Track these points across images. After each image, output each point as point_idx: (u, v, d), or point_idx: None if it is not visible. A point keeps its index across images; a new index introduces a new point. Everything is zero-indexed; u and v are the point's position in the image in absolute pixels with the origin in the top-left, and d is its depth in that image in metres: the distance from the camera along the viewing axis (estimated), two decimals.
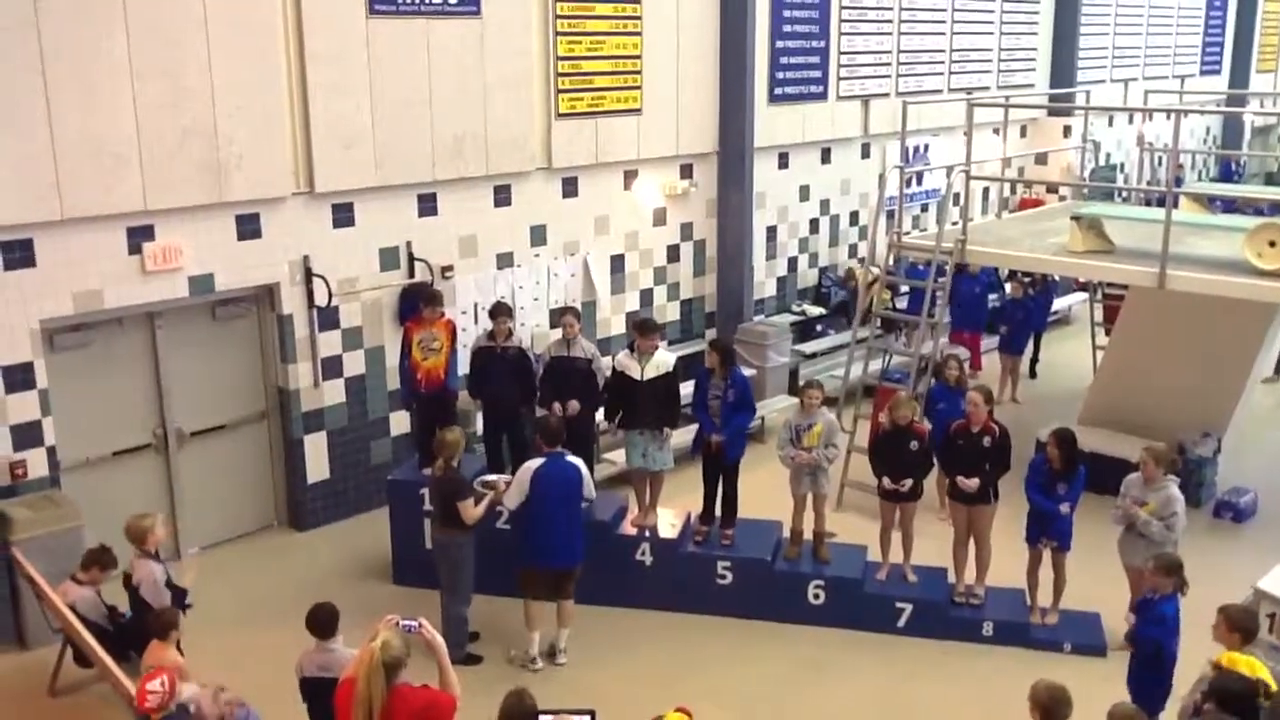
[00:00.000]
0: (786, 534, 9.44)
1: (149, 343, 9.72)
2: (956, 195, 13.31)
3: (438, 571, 8.54)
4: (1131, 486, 8.48)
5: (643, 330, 9.27)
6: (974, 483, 8.66)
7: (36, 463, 8.97)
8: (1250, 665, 5.83)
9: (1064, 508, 8.46)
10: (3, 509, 8.57)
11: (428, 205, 11.12)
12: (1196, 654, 6.52)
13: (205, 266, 9.64)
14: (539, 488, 8.13)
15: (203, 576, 9.02)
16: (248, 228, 9.86)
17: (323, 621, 6.44)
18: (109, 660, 7.25)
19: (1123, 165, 21.82)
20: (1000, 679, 8.15)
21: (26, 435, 8.90)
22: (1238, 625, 6.19)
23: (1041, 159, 18.79)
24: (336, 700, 5.22)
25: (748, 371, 11.65)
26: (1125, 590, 8.41)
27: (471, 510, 8.22)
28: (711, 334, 13.93)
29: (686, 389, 9.67)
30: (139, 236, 9.22)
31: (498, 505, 8.49)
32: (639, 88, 12.82)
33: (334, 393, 10.71)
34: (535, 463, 8.24)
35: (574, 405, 9.31)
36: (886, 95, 16.28)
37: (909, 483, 8.94)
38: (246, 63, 9.52)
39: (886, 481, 8.98)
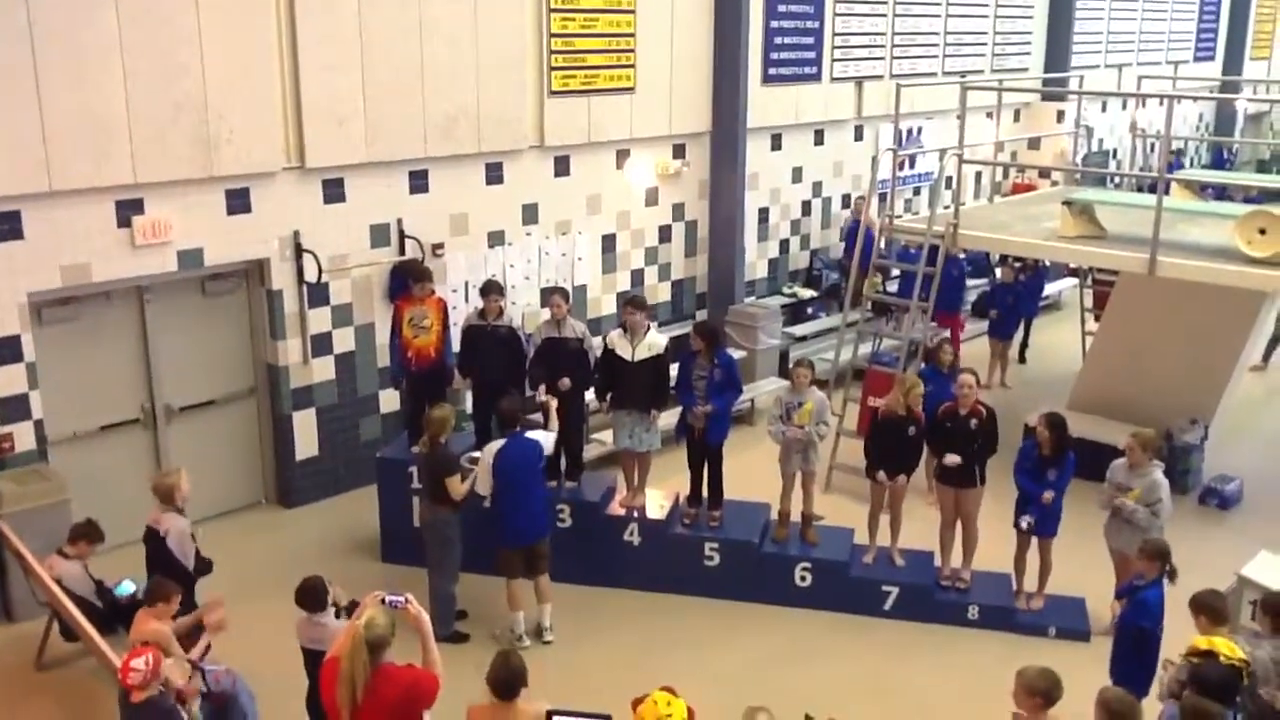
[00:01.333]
0: (774, 516, 9.47)
1: (138, 317, 9.69)
2: (949, 179, 13.29)
3: (426, 549, 8.55)
4: (1117, 472, 8.50)
5: (631, 306, 9.25)
6: (956, 458, 8.68)
7: (24, 436, 8.94)
8: (1229, 647, 5.89)
9: (1047, 495, 8.47)
10: None
11: (419, 182, 11.08)
12: (1181, 640, 6.55)
13: (195, 241, 9.59)
14: (503, 469, 8.19)
15: None
16: (238, 202, 9.81)
17: (310, 595, 6.46)
18: (95, 634, 7.26)
19: (1115, 151, 21.82)
20: (985, 662, 8.21)
21: (14, 409, 8.87)
22: (1203, 606, 6.28)
23: (1034, 143, 18.78)
24: (322, 679, 5.23)
25: (738, 353, 11.64)
26: (1111, 575, 8.46)
27: (459, 487, 8.24)
28: (702, 315, 13.92)
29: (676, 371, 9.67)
30: (128, 210, 9.17)
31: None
32: (632, 66, 12.77)
33: (323, 370, 10.69)
34: (496, 444, 8.30)
35: (565, 382, 9.29)
36: (880, 78, 16.25)
37: (903, 479, 8.98)
38: (238, 37, 9.45)
39: (882, 476, 9.01)
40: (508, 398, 8.66)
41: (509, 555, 8.42)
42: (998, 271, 15.46)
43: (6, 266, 8.63)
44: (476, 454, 8.98)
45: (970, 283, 15.52)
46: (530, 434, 8.36)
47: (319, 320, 10.56)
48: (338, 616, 6.48)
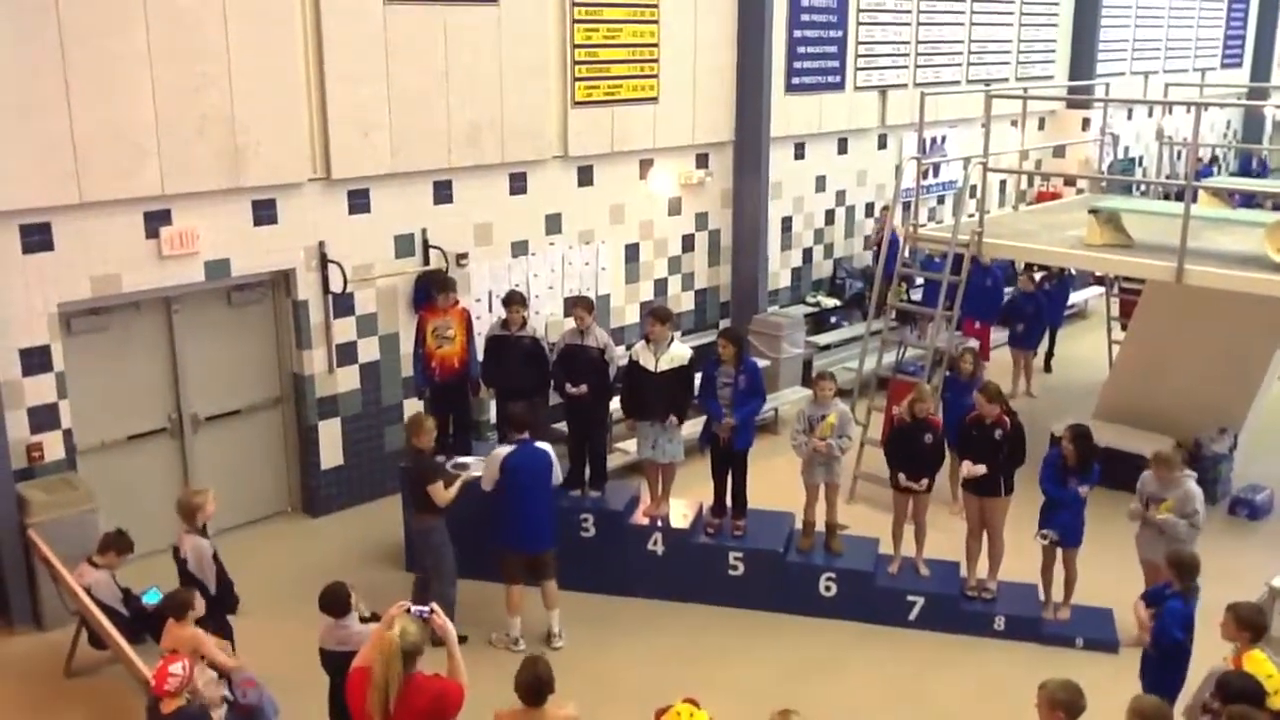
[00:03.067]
0: (799, 526, 9.44)
1: (165, 327, 9.76)
2: (973, 187, 13.26)
3: (419, 558, 8.59)
4: (1148, 484, 8.44)
5: (654, 317, 9.26)
6: (979, 469, 8.64)
7: (53, 445, 9.03)
8: (1267, 669, 5.79)
9: (1083, 490, 8.41)
10: (20, 491, 8.63)
11: (443, 192, 11.13)
12: (1210, 650, 6.49)
13: (222, 251, 9.67)
14: (510, 474, 8.22)
15: None
16: (264, 213, 9.88)
17: (334, 601, 6.49)
18: (123, 642, 7.32)
19: (1141, 159, 21.69)
20: (1011, 673, 8.15)
21: (43, 418, 8.95)
22: (1247, 623, 6.16)
23: (1059, 151, 18.70)
24: (349, 687, 5.24)
25: (761, 363, 11.59)
26: (1139, 586, 8.37)
27: (442, 493, 8.24)
28: (726, 324, 13.90)
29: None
30: (156, 221, 9.25)
31: (470, 484, 8.60)
32: (655, 76, 12.79)
33: (348, 379, 10.74)
34: (505, 449, 8.32)
35: (582, 388, 9.30)
36: (904, 86, 16.21)
37: (925, 482, 8.94)
38: (264, 48, 9.53)
39: (902, 478, 8.98)
40: (520, 403, 8.68)
41: (510, 559, 8.44)
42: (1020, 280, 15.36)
43: (37, 277, 8.73)
44: (462, 459, 9.23)
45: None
46: (539, 445, 8.39)
47: (344, 330, 10.62)
48: (363, 621, 6.50)
